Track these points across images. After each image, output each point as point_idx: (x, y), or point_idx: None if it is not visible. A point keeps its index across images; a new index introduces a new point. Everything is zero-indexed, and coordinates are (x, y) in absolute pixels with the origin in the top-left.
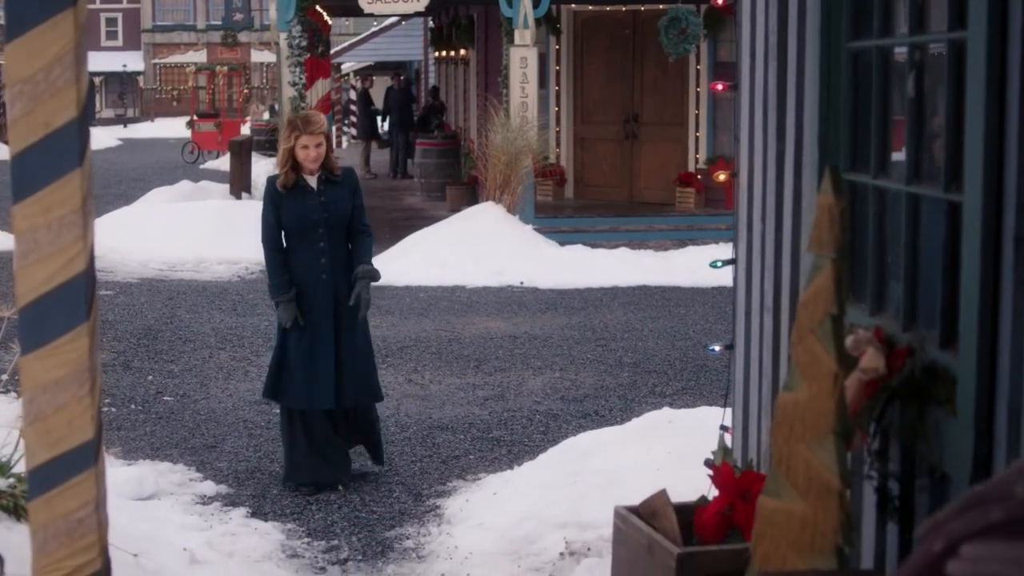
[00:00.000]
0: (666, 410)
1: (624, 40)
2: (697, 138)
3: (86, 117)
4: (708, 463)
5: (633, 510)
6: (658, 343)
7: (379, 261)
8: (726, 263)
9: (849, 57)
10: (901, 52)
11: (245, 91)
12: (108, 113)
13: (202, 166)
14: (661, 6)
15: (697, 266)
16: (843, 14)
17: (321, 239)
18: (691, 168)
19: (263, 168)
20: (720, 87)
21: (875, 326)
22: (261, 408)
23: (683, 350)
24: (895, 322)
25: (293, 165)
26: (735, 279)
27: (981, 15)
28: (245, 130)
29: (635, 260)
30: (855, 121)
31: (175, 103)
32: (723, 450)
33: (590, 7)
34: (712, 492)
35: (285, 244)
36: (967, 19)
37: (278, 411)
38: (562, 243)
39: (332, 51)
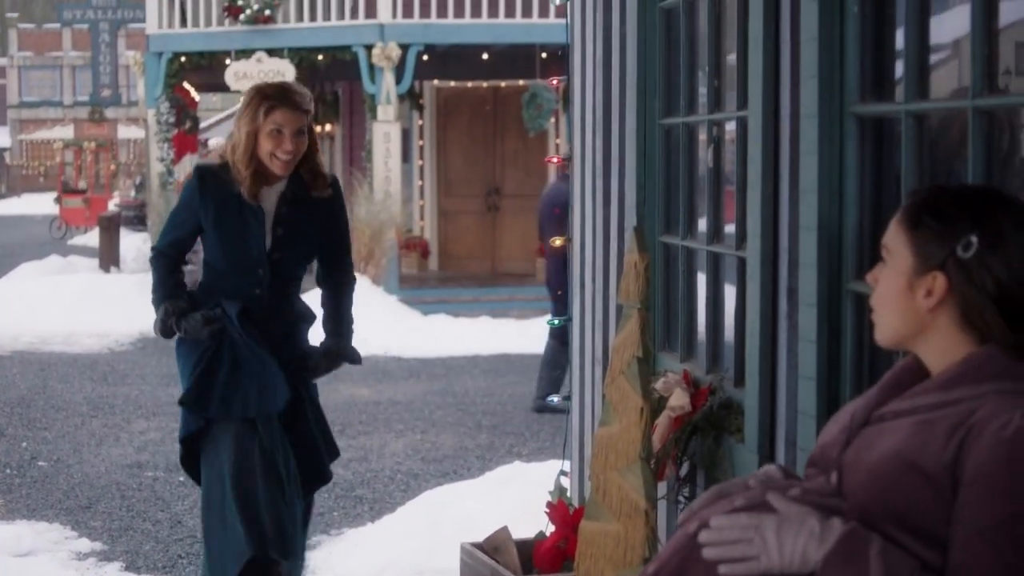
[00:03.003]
0: (517, 463)
1: (485, 115)
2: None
3: None
4: (548, 504)
5: (478, 546)
6: (516, 407)
7: None
8: (563, 321)
9: (662, 132)
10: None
11: (112, 167)
12: None
13: (70, 242)
14: (521, 82)
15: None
16: (656, 94)
17: (258, 283)
18: None
19: (132, 243)
20: (555, 160)
21: (683, 370)
22: (133, 472)
23: (541, 413)
24: (701, 366)
25: (253, 158)
26: (571, 335)
27: (757, 97)
28: (112, 206)
29: (497, 329)
30: (668, 188)
31: (42, 179)
32: (559, 489)
33: (452, 83)
34: (550, 528)
35: (204, 268)
36: (749, 100)
37: (154, 475)
38: (426, 313)
39: (201, 126)
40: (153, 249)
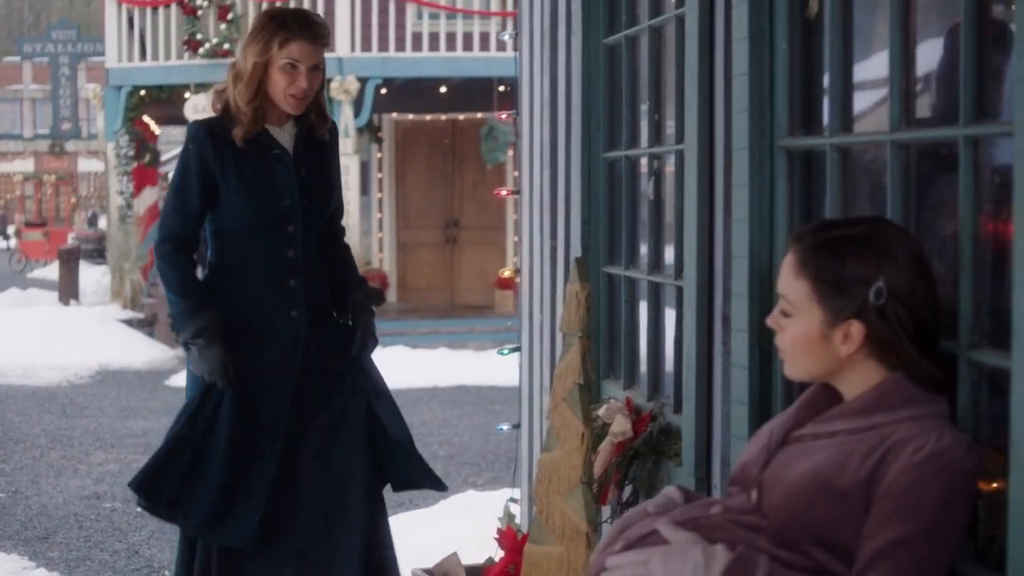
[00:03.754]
0: (471, 492)
1: (444, 148)
2: (515, 242)
3: None
4: (497, 530)
5: (428, 572)
6: (473, 437)
7: None
8: (512, 350)
9: (606, 165)
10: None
11: (73, 200)
12: None
13: (30, 275)
14: (479, 115)
15: (514, 366)
16: (600, 129)
17: (290, 243)
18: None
19: (91, 276)
20: (504, 193)
21: (626, 397)
22: (91, 503)
23: (496, 443)
24: (644, 394)
25: (258, 94)
26: (520, 365)
27: (693, 131)
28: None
29: (455, 361)
30: (611, 220)
31: (1, 212)
32: (508, 516)
33: (411, 116)
34: (499, 554)
35: (216, 247)
36: (685, 134)
37: (111, 506)
38: (384, 345)
39: (161, 159)
40: (167, 240)
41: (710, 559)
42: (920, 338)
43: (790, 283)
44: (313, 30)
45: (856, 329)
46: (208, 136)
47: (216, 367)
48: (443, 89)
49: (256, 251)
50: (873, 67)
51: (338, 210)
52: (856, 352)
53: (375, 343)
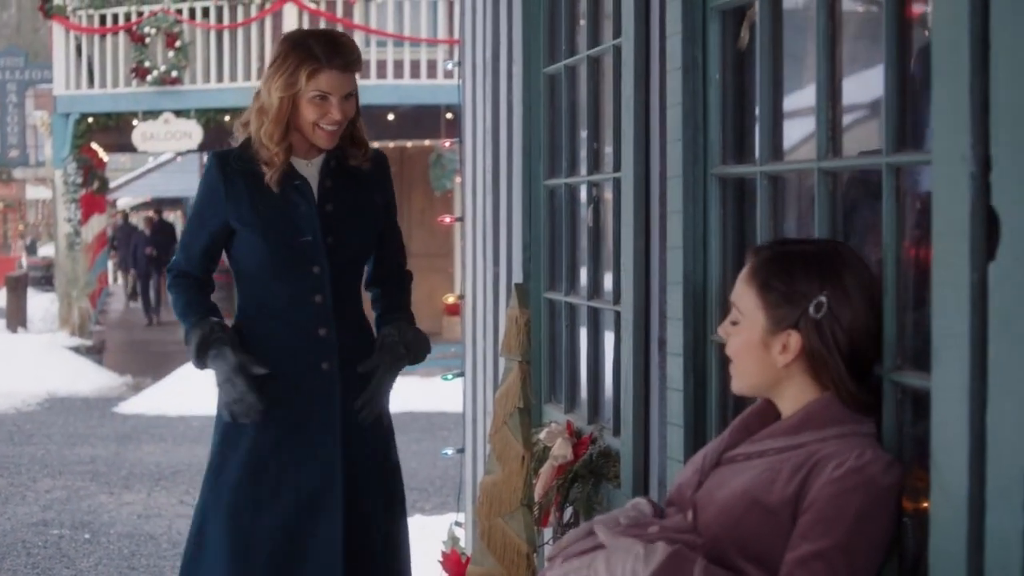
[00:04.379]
0: (418, 517)
1: (392, 175)
2: (464, 269)
3: None
4: (442, 553)
5: None
6: (420, 463)
7: (154, 392)
8: (456, 376)
9: (546, 193)
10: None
11: (21, 227)
12: None
13: None
14: (427, 142)
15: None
16: (540, 156)
17: (317, 287)
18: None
19: (39, 303)
20: (448, 220)
21: (567, 421)
22: (39, 529)
23: (444, 468)
24: (584, 417)
25: (288, 131)
26: (464, 390)
27: (629, 159)
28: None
29: (403, 387)
30: (552, 247)
31: None
32: (452, 539)
33: None
34: None
35: (238, 291)
36: (622, 162)
37: (59, 533)
38: None
39: (111, 186)
40: (170, 271)
41: (650, 552)
42: (854, 361)
43: (741, 291)
44: (343, 57)
45: (794, 340)
46: (221, 169)
47: (233, 371)
48: (391, 117)
49: (279, 295)
50: (803, 97)
51: (392, 250)
52: (792, 364)
53: (385, 391)
